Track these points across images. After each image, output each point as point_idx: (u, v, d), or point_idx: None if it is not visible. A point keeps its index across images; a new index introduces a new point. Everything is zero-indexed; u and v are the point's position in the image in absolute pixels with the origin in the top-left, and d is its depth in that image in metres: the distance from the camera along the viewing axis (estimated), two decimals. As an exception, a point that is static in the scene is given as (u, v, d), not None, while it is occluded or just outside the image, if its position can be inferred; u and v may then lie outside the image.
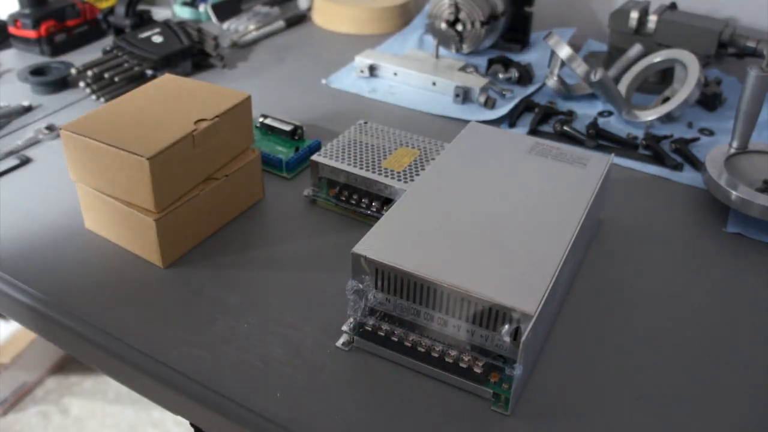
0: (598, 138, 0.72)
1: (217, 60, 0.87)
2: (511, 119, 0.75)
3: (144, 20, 0.92)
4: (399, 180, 0.56)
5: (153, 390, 0.46)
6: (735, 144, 0.64)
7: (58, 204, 0.60)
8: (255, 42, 0.95)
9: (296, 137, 0.68)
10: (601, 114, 0.77)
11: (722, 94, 0.79)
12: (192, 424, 0.50)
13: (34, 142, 0.69)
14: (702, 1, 0.88)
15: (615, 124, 0.75)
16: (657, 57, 0.77)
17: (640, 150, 0.70)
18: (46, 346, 1.39)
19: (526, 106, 0.78)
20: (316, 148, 0.67)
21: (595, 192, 0.51)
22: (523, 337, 0.39)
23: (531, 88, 0.82)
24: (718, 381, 0.45)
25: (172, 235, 0.52)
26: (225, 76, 0.85)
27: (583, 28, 0.99)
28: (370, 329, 0.45)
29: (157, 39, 0.82)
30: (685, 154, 0.69)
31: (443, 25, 0.89)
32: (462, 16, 0.87)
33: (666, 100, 0.76)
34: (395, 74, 0.83)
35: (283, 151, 0.67)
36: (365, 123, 0.64)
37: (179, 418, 1.12)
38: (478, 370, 0.42)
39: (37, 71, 0.81)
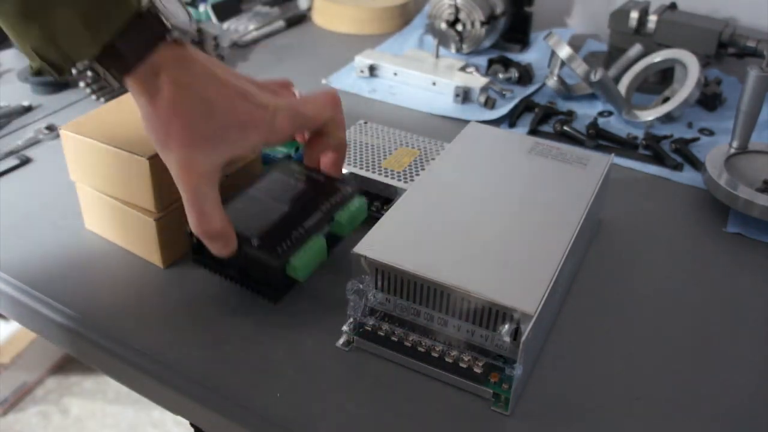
0: (598, 138, 0.72)
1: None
2: (511, 119, 0.75)
3: (144, 20, 0.91)
4: (399, 180, 0.56)
5: (153, 390, 0.46)
6: (735, 144, 0.64)
7: (58, 204, 0.60)
8: (255, 42, 0.95)
9: (296, 137, 0.68)
10: (601, 114, 0.77)
11: (722, 94, 0.79)
12: (192, 424, 0.50)
13: (34, 142, 0.69)
14: (702, 1, 0.88)
15: (615, 124, 0.75)
16: (657, 57, 0.77)
17: (640, 150, 0.70)
18: (46, 346, 1.39)
19: (526, 106, 0.78)
20: (316, 148, 0.67)
21: (595, 192, 0.51)
22: (523, 337, 0.39)
23: (531, 88, 0.82)
24: (718, 381, 0.45)
25: (172, 235, 0.52)
26: (225, 76, 0.85)
27: (583, 28, 0.99)
28: (370, 329, 0.45)
29: (157, 39, 0.82)
30: (685, 154, 0.69)
31: (443, 25, 0.89)
32: (462, 16, 0.87)
33: (666, 100, 0.76)
34: (395, 74, 0.83)
35: (283, 151, 0.67)
36: (365, 123, 0.64)
37: (179, 418, 1.12)
38: (478, 370, 0.42)
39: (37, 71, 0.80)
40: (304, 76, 0.85)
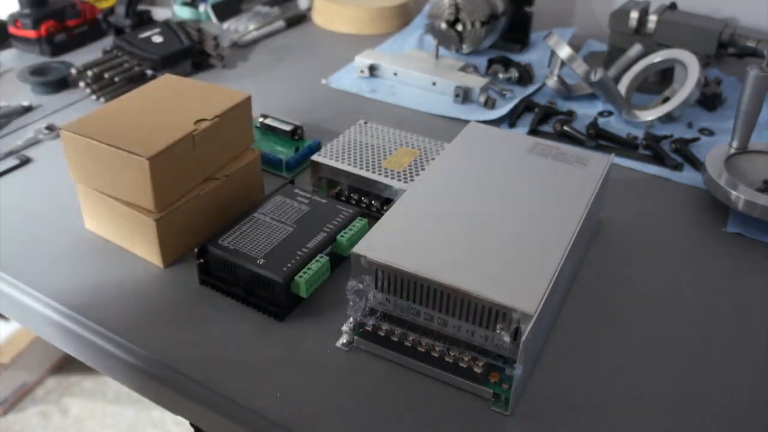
0: (598, 138, 0.72)
1: (217, 60, 0.87)
2: (511, 119, 0.75)
3: (144, 20, 0.92)
4: (399, 180, 0.56)
5: (153, 390, 0.46)
6: (735, 144, 0.64)
7: (58, 204, 0.60)
8: (255, 42, 0.95)
9: (296, 137, 0.68)
10: (601, 114, 0.77)
11: (722, 94, 0.79)
12: (192, 424, 0.50)
13: (34, 142, 0.69)
14: (702, 1, 0.88)
15: (615, 124, 0.75)
16: (657, 57, 0.77)
17: (640, 150, 0.70)
18: (46, 346, 1.39)
19: (526, 106, 0.78)
20: (316, 148, 0.67)
21: (595, 192, 0.51)
22: (523, 337, 0.39)
23: (531, 88, 0.82)
24: (718, 381, 0.45)
25: (172, 235, 0.52)
26: (225, 76, 0.85)
27: (583, 28, 0.99)
28: (370, 329, 0.45)
29: (157, 39, 0.82)
30: (685, 154, 0.69)
31: (443, 25, 0.89)
32: (462, 16, 0.87)
33: (666, 100, 0.76)
34: (395, 74, 0.83)
35: (283, 151, 0.67)
36: (365, 123, 0.64)
37: (179, 418, 1.12)
38: (478, 370, 0.42)
39: (37, 71, 0.81)
40: (304, 76, 0.85)
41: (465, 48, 0.89)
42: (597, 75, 0.73)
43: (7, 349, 1.34)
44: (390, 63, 0.83)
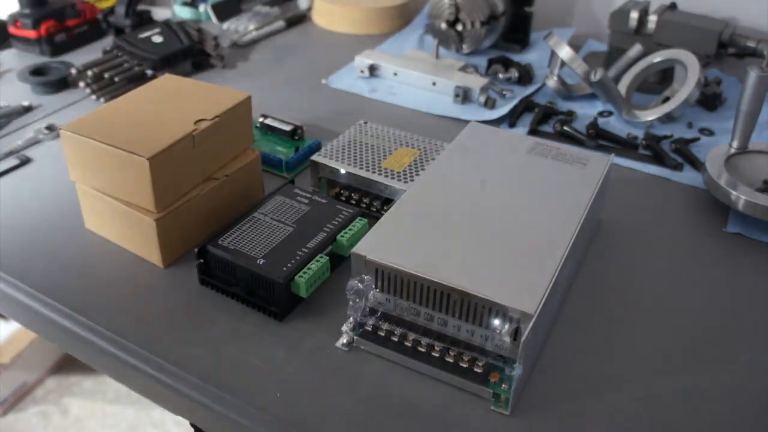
0: (598, 138, 0.72)
1: (217, 60, 0.87)
2: (511, 119, 0.75)
3: (144, 20, 0.92)
4: (399, 180, 0.56)
5: (153, 390, 0.46)
6: (735, 144, 0.64)
7: (58, 204, 0.60)
8: (255, 42, 0.95)
9: (296, 137, 0.68)
10: (601, 114, 0.77)
11: (722, 94, 0.79)
12: (192, 424, 0.50)
13: (34, 142, 0.69)
14: (702, 1, 0.88)
15: (615, 124, 0.75)
16: (657, 57, 0.77)
17: (640, 150, 0.70)
18: (46, 346, 1.39)
19: (526, 106, 0.78)
20: (316, 148, 0.67)
21: (595, 192, 0.51)
22: (523, 337, 0.39)
23: (531, 88, 0.82)
24: (718, 381, 0.45)
25: (172, 235, 0.52)
26: (225, 76, 0.85)
27: (583, 28, 0.99)
28: (370, 329, 0.45)
29: (157, 39, 0.82)
30: (685, 154, 0.69)
31: (443, 25, 0.89)
32: (462, 16, 0.87)
33: (666, 100, 0.76)
34: (395, 74, 0.83)
35: (283, 151, 0.67)
36: (365, 123, 0.64)
37: (179, 418, 1.12)
38: (478, 370, 0.42)
39: (37, 71, 0.81)
40: (304, 76, 0.85)
41: (465, 48, 0.89)
42: (597, 75, 0.73)
43: (7, 349, 1.34)
44: (390, 63, 0.83)
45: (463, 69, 0.83)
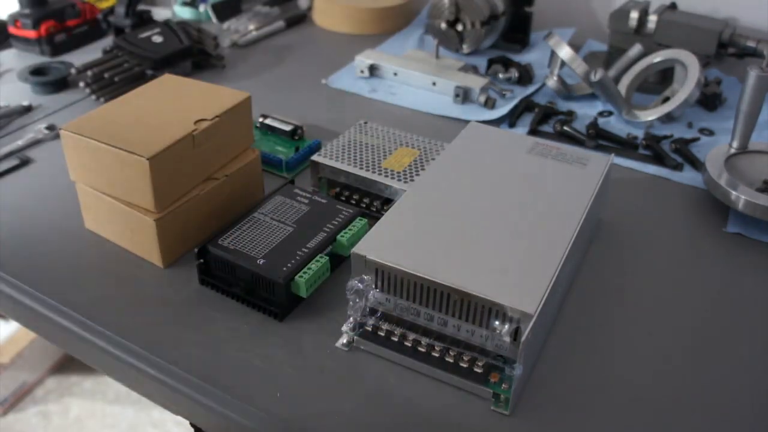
0: (598, 138, 0.72)
1: (217, 60, 0.87)
2: (511, 119, 0.75)
3: (144, 20, 0.91)
4: (399, 180, 0.56)
5: (153, 390, 0.46)
6: (735, 144, 0.64)
7: (58, 204, 0.60)
8: (255, 42, 0.95)
9: (296, 137, 0.68)
10: (601, 114, 0.77)
11: (722, 94, 0.79)
12: (192, 424, 0.50)
13: (34, 142, 0.69)
14: (702, 1, 0.88)
15: (615, 124, 0.75)
16: (657, 57, 0.77)
17: (640, 150, 0.70)
18: (46, 346, 1.39)
19: (526, 106, 0.78)
20: (316, 148, 0.67)
21: (595, 192, 0.51)
22: (523, 337, 0.39)
23: (531, 88, 0.82)
24: (718, 381, 0.45)
25: (172, 235, 0.52)
26: (225, 76, 0.85)
27: (583, 28, 0.99)
28: (370, 329, 0.45)
29: (157, 39, 0.82)
30: (685, 154, 0.69)
31: (443, 25, 0.89)
32: (462, 16, 0.87)
33: (666, 100, 0.76)
34: (395, 74, 0.83)
35: (283, 151, 0.67)
36: (365, 123, 0.64)
37: (179, 418, 1.12)
38: (478, 370, 0.42)
39: (37, 71, 0.81)
40: (304, 76, 0.85)
41: (465, 48, 0.89)
42: (597, 75, 0.73)
43: (7, 349, 1.34)
44: (390, 63, 0.83)
45: (463, 69, 0.83)
